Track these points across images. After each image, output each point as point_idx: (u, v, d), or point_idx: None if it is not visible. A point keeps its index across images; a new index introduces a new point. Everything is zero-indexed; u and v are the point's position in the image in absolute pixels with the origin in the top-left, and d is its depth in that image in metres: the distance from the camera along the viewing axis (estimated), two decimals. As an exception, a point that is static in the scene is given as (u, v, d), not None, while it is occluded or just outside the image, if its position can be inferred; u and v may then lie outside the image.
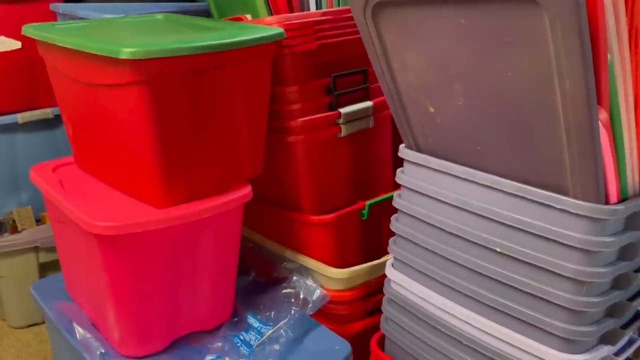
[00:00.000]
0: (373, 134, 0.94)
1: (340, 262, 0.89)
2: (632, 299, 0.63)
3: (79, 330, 0.76)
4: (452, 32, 0.55)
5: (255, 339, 0.79)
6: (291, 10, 0.86)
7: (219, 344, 0.77)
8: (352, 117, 0.88)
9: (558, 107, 0.52)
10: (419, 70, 0.62)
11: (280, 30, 0.76)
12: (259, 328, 0.80)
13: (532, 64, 0.51)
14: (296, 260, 0.91)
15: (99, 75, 0.68)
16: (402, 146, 0.75)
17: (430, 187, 0.71)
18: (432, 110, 0.65)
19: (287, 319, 0.79)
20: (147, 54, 0.61)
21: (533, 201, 0.60)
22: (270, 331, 0.78)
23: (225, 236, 0.79)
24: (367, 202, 0.90)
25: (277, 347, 0.77)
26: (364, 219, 0.91)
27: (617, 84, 0.53)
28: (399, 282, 0.78)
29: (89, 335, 0.76)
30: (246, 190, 0.78)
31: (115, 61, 0.62)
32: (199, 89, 0.68)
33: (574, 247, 0.57)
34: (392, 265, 0.80)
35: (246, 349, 0.77)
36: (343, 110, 0.87)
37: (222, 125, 0.73)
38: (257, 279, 0.93)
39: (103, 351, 0.74)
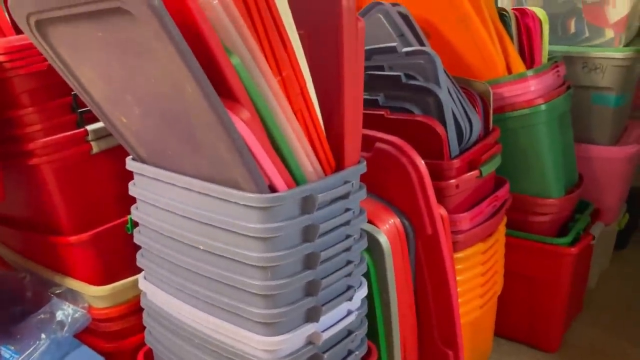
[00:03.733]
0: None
1: (109, 279, 0.89)
2: (330, 275, 0.68)
3: None
4: (98, 45, 0.57)
5: (4, 370, 0.77)
6: (18, 33, 0.84)
7: (-36, 382, 0.75)
8: (102, 134, 0.88)
9: (196, 110, 0.55)
10: (97, 84, 0.64)
11: (-15, 54, 0.75)
12: (9, 359, 0.78)
13: (161, 71, 0.54)
14: (63, 283, 0.90)
15: None
16: (128, 158, 0.76)
17: (150, 195, 0.72)
18: (125, 120, 0.66)
19: (36, 345, 0.78)
20: None
21: (216, 197, 0.63)
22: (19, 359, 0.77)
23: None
24: (129, 216, 0.91)
25: (26, 375, 0.75)
26: (129, 232, 0.91)
27: (255, 81, 0.57)
28: (148, 292, 0.79)
29: None
30: (-23, 220, 0.76)
31: None
32: None
33: (250, 235, 0.61)
34: (144, 277, 0.81)
35: (-8, 382, 0.75)
36: (90, 127, 0.87)
37: None
38: (25, 309, 0.90)
39: None
